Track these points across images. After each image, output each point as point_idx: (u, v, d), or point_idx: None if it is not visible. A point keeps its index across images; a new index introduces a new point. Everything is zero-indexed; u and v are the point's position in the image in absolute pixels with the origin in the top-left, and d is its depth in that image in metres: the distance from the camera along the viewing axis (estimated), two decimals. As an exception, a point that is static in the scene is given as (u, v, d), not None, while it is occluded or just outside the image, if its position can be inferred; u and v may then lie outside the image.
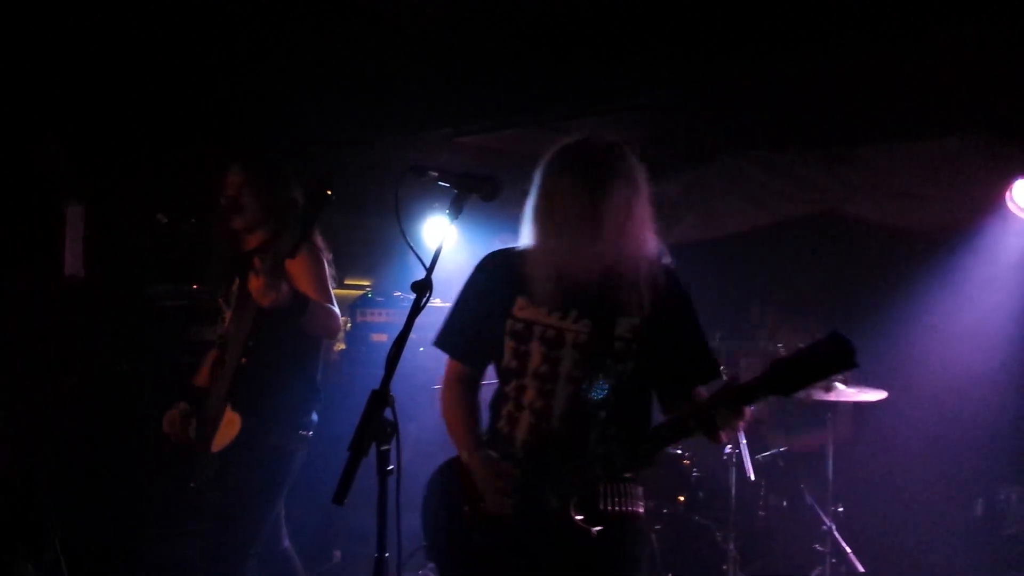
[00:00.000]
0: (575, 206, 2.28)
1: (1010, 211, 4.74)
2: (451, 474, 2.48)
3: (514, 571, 2.32)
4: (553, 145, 2.41)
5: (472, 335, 2.52)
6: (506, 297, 2.43)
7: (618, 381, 2.36)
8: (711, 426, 2.19)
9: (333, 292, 3.54)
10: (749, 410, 2.19)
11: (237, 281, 3.51)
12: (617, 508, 2.37)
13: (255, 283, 3.12)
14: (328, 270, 3.54)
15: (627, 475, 2.40)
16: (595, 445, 2.35)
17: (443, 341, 2.59)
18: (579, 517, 2.29)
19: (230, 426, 3.36)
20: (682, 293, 2.44)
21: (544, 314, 2.39)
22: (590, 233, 2.27)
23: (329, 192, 2.94)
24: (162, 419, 3.59)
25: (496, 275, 2.48)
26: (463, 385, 2.58)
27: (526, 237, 2.41)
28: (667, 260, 2.42)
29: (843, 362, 2.11)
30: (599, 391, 2.35)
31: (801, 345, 2.15)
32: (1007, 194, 4.72)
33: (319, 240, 3.55)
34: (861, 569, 4.53)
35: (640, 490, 2.44)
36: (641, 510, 2.44)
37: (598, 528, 2.29)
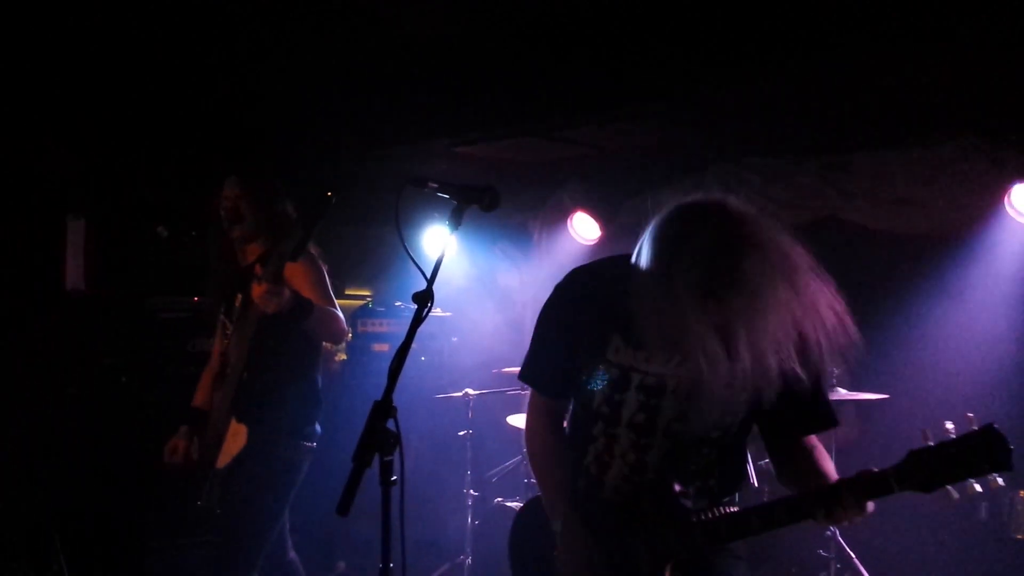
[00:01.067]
0: (697, 309, 1.92)
1: (1009, 216, 4.74)
2: (539, 520, 2.32)
3: None
4: (682, 199, 2.08)
5: (559, 368, 2.29)
6: (599, 335, 2.20)
7: (723, 432, 2.17)
8: (831, 514, 1.99)
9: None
10: (871, 505, 1.98)
11: (239, 297, 3.51)
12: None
13: (258, 290, 3.12)
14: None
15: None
16: (695, 503, 2.18)
17: (531, 376, 2.38)
18: None
19: (236, 438, 3.36)
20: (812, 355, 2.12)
21: (644, 359, 2.15)
22: (713, 345, 1.94)
23: (330, 195, 2.94)
24: (165, 434, 3.60)
25: (587, 306, 2.23)
26: (551, 422, 2.37)
27: (637, 267, 2.05)
28: None
29: (996, 462, 1.88)
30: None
31: (951, 435, 1.92)
32: (1005, 199, 4.72)
33: (315, 250, 3.56)
34: (865, 574, 4.52)
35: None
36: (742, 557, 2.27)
37: None
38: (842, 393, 4.56)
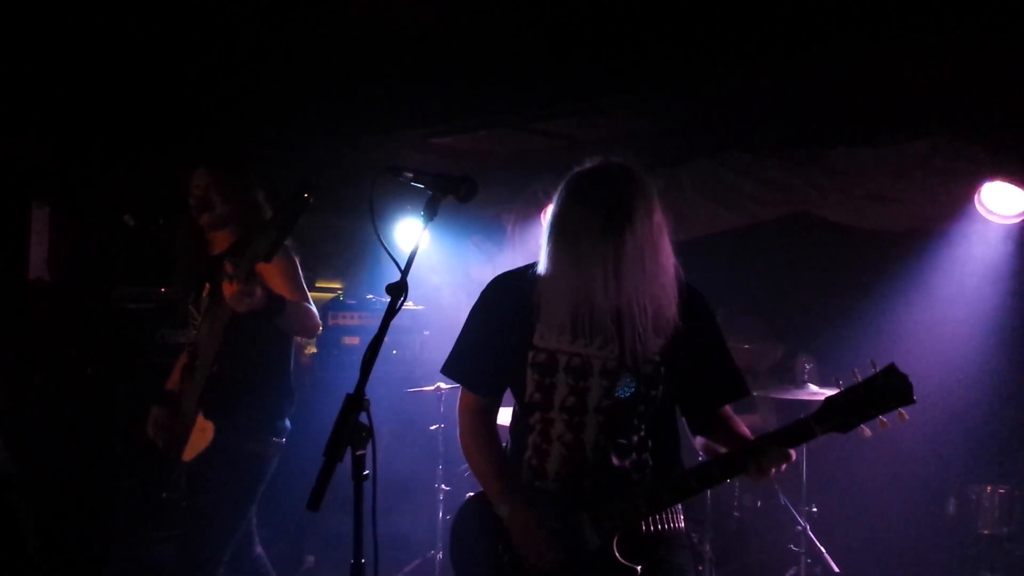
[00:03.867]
0: (596, 243, 2.19)
1: (978, 213, 4.78)
2: (482, 516, 2.39)
3: None
4: (569, 171, 2.33)
5: (488, 365, 2.39)
6: (524, 325, 2.32)
7: (648, 405, 2.29)
8: (757, 464, 2.14)
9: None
10: (794, 453, 2.16)
11: (208, 286, 3.46)
12: (661, 527, 2.31)
13: (229, 290, 3.07)
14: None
15: None
16: (634, 476, 2.29)
17: (455, 370, 2.46)
18: (623, 560, 2.21)
19: (202, 434, 3.31)
20: (707, 311, 2.37)
21: (568, 342, 2.29)
22: (613, 269, 2.18)
23: (307, 196, 2.88)
24: (132, 426, 3.54)
25: (510, 301, 2.35)
26: (482, 419, 2.46)
27: (543, 262, 2.29)
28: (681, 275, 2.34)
29: (901, 397, 2.08)
30: (626, 390, 2.26)
31: (857, 379, 2.12)
32: (976, 197, 4.76)
33: (287, 241, 3.50)
34: (836, 569, 4.55)
35: (679, 505, 2.37)
36: (683, 525, 2.38)
37: (640, 567, 2.22)
38: (812, 389, 4.58)
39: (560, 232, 2.25)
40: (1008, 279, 4.87)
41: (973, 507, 4.60)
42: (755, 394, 5.00)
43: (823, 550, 4.57)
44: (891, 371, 2.10)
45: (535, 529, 2.26)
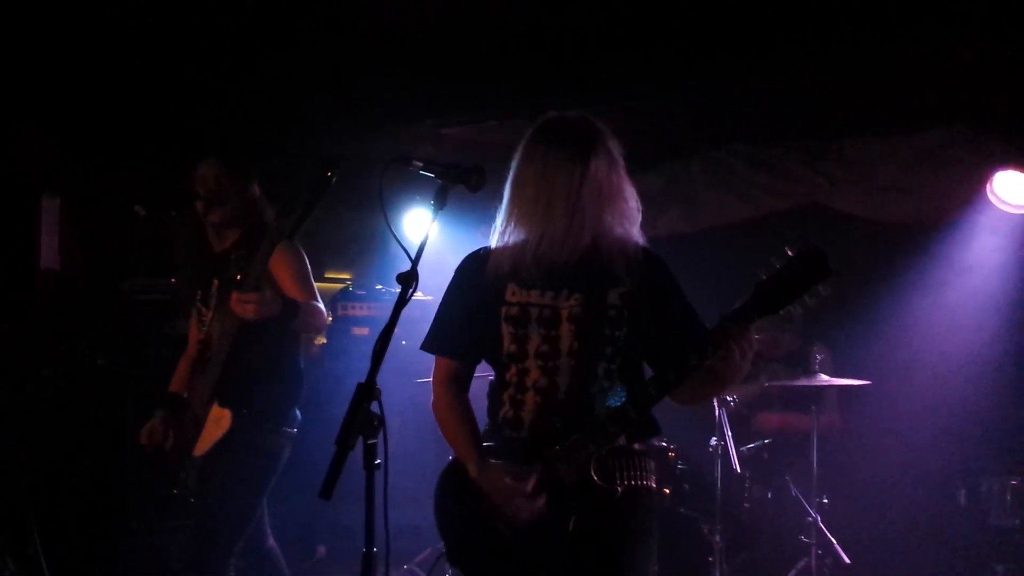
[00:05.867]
0: (557, 185, 2.32)
1: (991, 203, 4.76)
2: (462, 474, 2.45)
3: (545, 552, 2.31)
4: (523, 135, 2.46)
5: (463, 330, 2.49)
6: (496, 287, 2.44)
7: (614, 347, 2.38)
8: (726, 350, 2.19)
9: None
10: (753, 333, 2.22)
11: (216, 283, 3.43)
12: (632, 483, 2.37)
13: (239, 305, 3.07)
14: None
15: (638, 447, 2.41)
16: (600, 406, 2.37)
17: (433, 343, 2.54)
18: (602, 483, 2.29)
19: (219, 424, 3.29)
20: (663, 267, 2.47)
21: (537, 295, 2.40)
22: (575, 209, 2.32)
23: (330, 175, 2.84)
24: (142, 417, 3.53)
25: (481, 269, 2.47)
26: (457, 385, 2.54)
27: (504, 227, 2.44)
28: (642, 240, 2.45)
29: (820, 270, 2.15)
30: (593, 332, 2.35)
31: (776, 264, 2.21)
32: (988, 186, 4.74)
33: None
34: (847, 560, 4.54)
35: (652, 464, 2.45)
36: (654, 484, 2.46)
37: (620, 487, 2.31)
38: (824, 379, 4.57)
39: (520, 187, 2.39)
40: (1021, 269, 4.84)
41: (984, 499, 4.58)
42: (766, 384, 4.99)
43: (833, 541, 4.56)
44: (804, 247, 2.17)
45: (502, 478, 2.33)
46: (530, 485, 2.30)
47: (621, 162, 2.42)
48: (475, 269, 2.50)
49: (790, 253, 2.21)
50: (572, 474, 2.30)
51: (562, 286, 2.39)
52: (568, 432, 2.32)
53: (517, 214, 2.41)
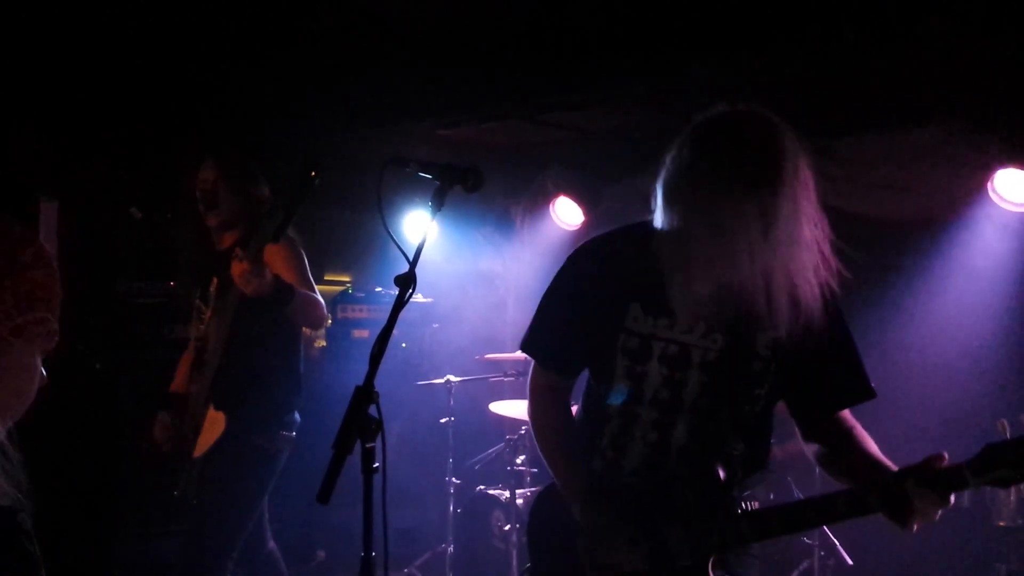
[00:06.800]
0: (740, 201, 1.83)
1: (991, 201, 4.74)
2: (561, 504, 2.16)
3: None
4: (696, 117, 2.01)
5: (570, 344, 2.15)
6: (617, 304, 2.05)
7: (752, 407, 2.02)
8: (901, 509, 1.81)
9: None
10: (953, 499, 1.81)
11: (216, 282, 3.44)
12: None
13: (238, 268, 3.04)
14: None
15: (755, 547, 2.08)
16: (735, 491, 2.04)
17: (534, 347, 2.22)
18: None
19: (214, 426, 3.29)
20: (833, 303, 2.02)
21: (665, 327, 2.02)
22: (762, 232, 1.83)
23: (314, 175, 2.84)
24: (140, 421, 3.53)
25: (602, 274, 2.09)
26: (557, 400, 2.22)
27: (666, 228, 1.94)
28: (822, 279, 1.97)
29: None
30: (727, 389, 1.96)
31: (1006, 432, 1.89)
32: (988, 184, 4.72)
33: (293, 234, 3.49)
34: (849, 562, 4.53)
35: (758, 563, 2.15)
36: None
37: None
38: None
39: (684, 191, 1.91)
40: (1022, 266, 4.83)
41: (988, 500, 4.57)
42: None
43: (836, 543, 4.55)
44: None
45: (611, 534, 2.02)
46: (639, 558, 1.98)
47: (806, 177, 1.95)
48: (596, 269, 2.11)
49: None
50: (686, 557, 1.97)
51: (699, 319, 1.99)
52: (694, 504, 1.98)
53: (673, 219, 1.92)
